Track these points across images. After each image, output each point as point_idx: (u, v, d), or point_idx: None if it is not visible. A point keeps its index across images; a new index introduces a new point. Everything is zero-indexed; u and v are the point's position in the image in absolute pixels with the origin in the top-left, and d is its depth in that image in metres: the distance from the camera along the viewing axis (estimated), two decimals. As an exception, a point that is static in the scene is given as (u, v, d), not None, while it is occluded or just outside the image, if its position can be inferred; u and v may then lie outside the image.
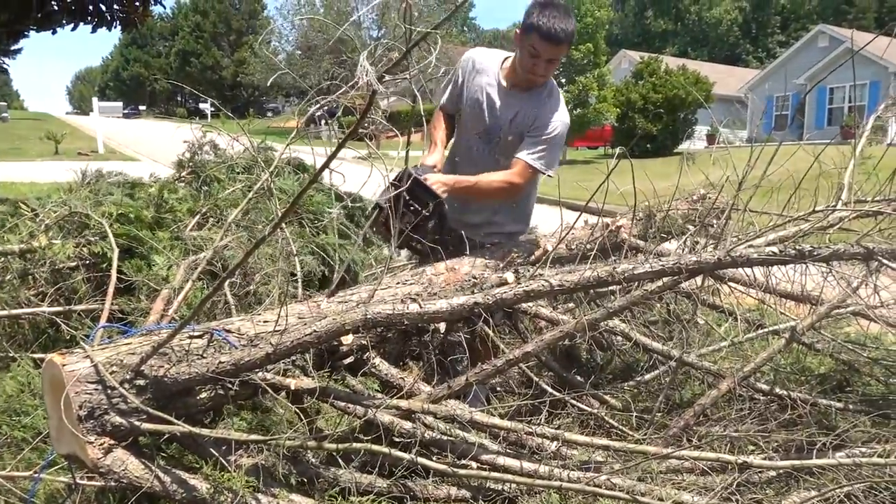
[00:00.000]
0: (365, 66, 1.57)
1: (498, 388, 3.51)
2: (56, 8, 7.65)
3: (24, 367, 2.98)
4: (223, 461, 2.18)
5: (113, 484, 2.11)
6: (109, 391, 2.09)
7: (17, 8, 7.33)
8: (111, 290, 2.89)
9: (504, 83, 3.15)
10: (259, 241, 2.07)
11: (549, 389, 2.96)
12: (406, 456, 2.18)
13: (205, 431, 2.17)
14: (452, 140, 3.38)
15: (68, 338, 3.09)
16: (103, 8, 7.78)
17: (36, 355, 3.01)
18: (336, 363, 2.69)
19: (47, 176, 12.88)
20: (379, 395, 2.55)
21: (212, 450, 2.22)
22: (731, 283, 3.28)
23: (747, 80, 35.20)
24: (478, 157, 3.23)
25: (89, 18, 7.78)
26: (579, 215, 3.17)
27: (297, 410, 2.46)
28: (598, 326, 2.75)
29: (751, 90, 32.86)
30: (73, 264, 3.42)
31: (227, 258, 3.35)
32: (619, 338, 3.20)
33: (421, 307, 2.34)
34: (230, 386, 2.26)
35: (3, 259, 3.34)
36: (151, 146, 23.55)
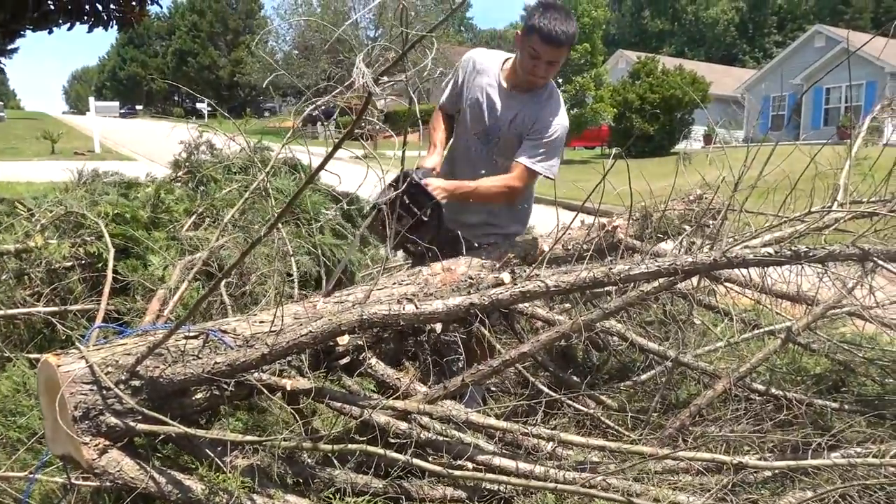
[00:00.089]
0: (361, 68, 1.57)
1: (494, 389, 3.51)
2: (52, 7, 7.63)
3: (20, 368, 2.97)
4: (219, 462, 2.17)
5: (108, 485, 2.11)
6: (105, 392, 2.09)
7: (13, 7, 7.30)
8: (107, 290, 2.88)
9: (504, 84, 3.15)
10: (255, 242, 2.06)
11: (546, 390, 2.96)
12: (402, 457, 2.18)
13: (200, 432, 2.16)
14: (451, 140, 3.38)
15: (64, 338, 3.08)
16: (100, 7, 7.76)
17: (31, 355, 3.00)
18: (332, 363, 2.69)
19: (43, 175, 12.85)
20: (375, 396, 2.55)
21: (207, 450, 2.22)
22: (727, 284, 3.29)
23: (744, 80, 35.26)
24: (476, 157, 3.24)
25: (86, 18, 7.77)
26: (576, 215, 3.17)
27: (293, 411, 2.46)
28: (594, 327, 2.75)
29: (747, 90, 32.90)
30: (69, 264, 3.41)
31: (224, 258, 3.34)
32: (616, 338, 3.21)
33: (417, 308, 2.34)
34: (226, 386, 2.26)
35: (-2, 259, 3.34)
36: (148, 146, 23.49)
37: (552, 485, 2.20)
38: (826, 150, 3.14)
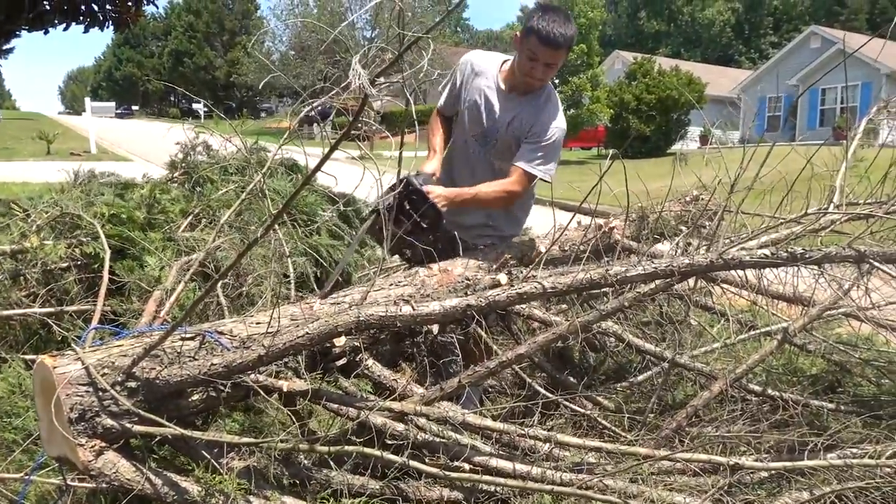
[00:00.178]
0: (357, 70, 1.57)
1: (491, 390, 3.51)
2: (48, 8, 7.63)
3: (16, 369, 2.97)
4: (215, 463, 2.17)
5: (104, 486, 2.10)
6: (101, 393, 2.08)
7: (8, 8, 7.30)
8: (103, 291, 2.87)
9: (502, 86, 3.15)
10: (252, 243, 2.06)
11: (542, 391, 2.96)
12: (399, 459, 2.18)
13: (196, 434, 2.16)
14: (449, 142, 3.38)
15: (60, 339, 3.08)
16: (95, 8, 7.77)
17: (27, 357, 3.00)
18: (328, 365, 2.68)
19: (39, 176, 12.81)
20: (371, 397, 2.55)
21: (203, 452, 2.21)
22: (723, 285, 3.29)
23: (740, 81, 35.33)
24: (474, 158, 3.24)
25: (81, 18, 7.76)
26: (573, 216, 3.17)
27: (290, 412, 2.45)
28: (590, 328, 2.75)
29: (743, 91, 32.98)
30: (65, 265, 3.41)
31: (220, 259, 3.34)
32: (612, 339, 3.21)
33: (414, 309, 2.34)
34: (222, 388, 2.25)
35: (-6, 260, 3.33)
36: (144, 146, 23.46)
37: (549, 486, 2.20)
38: (822, 151, 3.15)
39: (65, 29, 7.84)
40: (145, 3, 8.38)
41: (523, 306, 2.95)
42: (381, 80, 1.70)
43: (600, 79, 28.17)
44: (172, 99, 73.76)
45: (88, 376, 2.08)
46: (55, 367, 2.08)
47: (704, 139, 26.10)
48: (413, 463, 2.19)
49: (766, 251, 2.38)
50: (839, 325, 3.66)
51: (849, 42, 4.82)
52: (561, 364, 3.36)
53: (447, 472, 2.21)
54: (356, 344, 2.67)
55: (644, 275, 2.44)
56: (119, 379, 2.12)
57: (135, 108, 68.13)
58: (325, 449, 2.15)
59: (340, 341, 2.55)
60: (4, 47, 9.25)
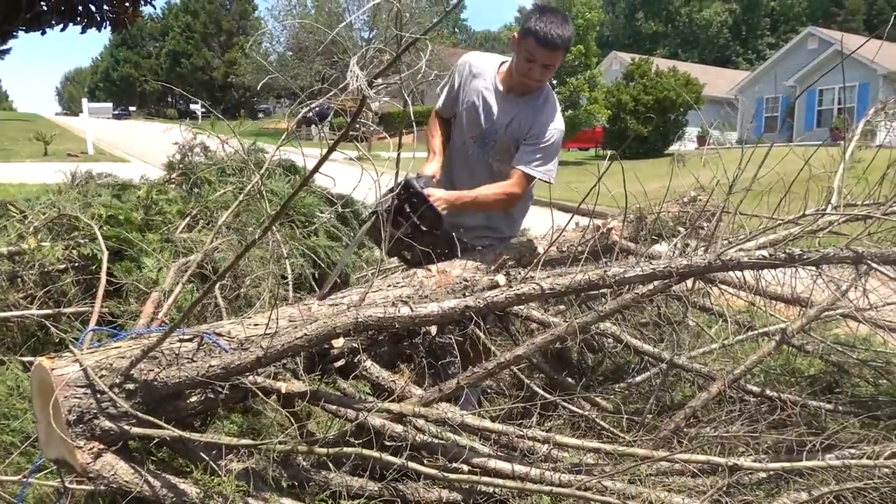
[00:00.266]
0: (355, 71, 1.57)
1: (489, 391, 3.51)
2: (45, 8, 7.62)
3: (13, 371, 2.96)
4: (213, 465, 2.17)
5: (102, 489, 2.10)
6: (99, 395, 2.08)
7: (5, 8, 7.29)
8: (100, 292, 2.87)
9: (500, 87, 3.15)
10: (250, 244, 2.06)
11: (541, 392, 2.96)
12: (397, 460, 2.17)
13: (195, 435, 2.16)
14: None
15: (57, 341, 3.07)
16: (93, 8, 7.76)
17: (25, 359, 2.99)
18: (327, 366, 2.68)
19: (36, 177, 12.78)
20: (370, 399, 2.54)
21: (202, 454, 2.21)
22: (721, 286, 3.29)
23: (737, 81, 35.36)
24: (472, 160, 3.24)
25: (79, 19, 7.76)
26: (571, 217, 3.18)
27: (288, 414, 2.45)
28: (589, 329, 2.75)
29: (741, 92, 33.01)
30: (63, 267, 3.40)
31: (218, 261, 3.33)
32: (611, 340, 3.21)
33: (412, 311, 2.34)
34: (220, 389, 2.25)
35: (-9, 262, 3.32)
36: (141, 147, 23.45)
37: (548, 487, 2.20)
38: (820, 152, 3.15)
39: (62, 29, 7.84)
40: (142, 3, 8.37)
41: (521, 307, 2.95)
42: (379, 80, 1.70)
43: (598, 80, 28.21)
44: (170, 100, 73.65)
45: (86, 378, 2.08)
46: (53, 369, 2.07)
47: (702, 140, 26.12)
48: (412, 464, 2.19)
49: (765, 252, 2.38)
50: (837, 326, 3.67)
51: (846, 43, 4.83)
52: (559, 365, 3.36)
53: (446, 474, 2.21)
54: (354, 345, 2.67)
55: (642, 276, 2.44)
56: (117, 381, 2.12)
57: (132, 108, 67.95)
58: (324, 450, 2.15)
59: (339, 342, 2.55)
60: (1, 48, 9.23)
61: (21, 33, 8.15)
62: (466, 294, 2.69)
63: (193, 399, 2.31)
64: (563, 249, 3.39)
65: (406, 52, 1.69)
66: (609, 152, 2.79)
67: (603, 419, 2.91)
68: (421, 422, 2.44)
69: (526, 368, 3.25)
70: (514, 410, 2.89)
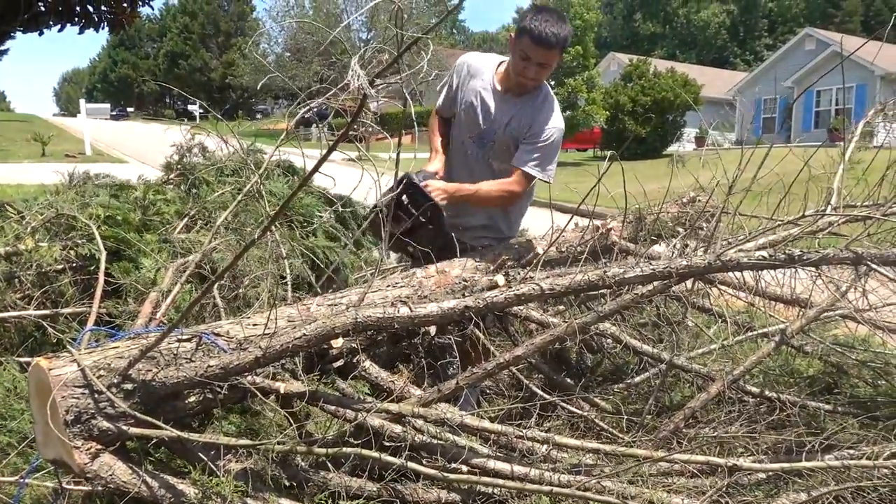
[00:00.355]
0: (356, 71, 1.56)
1: (488, 391, 3.50)
2: (43, 9, 7.60)
3: (10, 371, 2.96)
4: (212, 466, 2.16)
5: (100, 489, 2.09)
6: (96, 395, 2.07)
7: (2, 9, 7.27)
8: (98, 292, 2.86)
9: (498, 87, 3.15)
10: (249, 244, 2.06)
11: (540, 392, 2.96)
12: (396, 461, 2.17)
13: (193, 436, 2.15)
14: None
15: (55, 341, 3.06)
16: (91, 9, 7.73)
17: (22, 359, 2.98)
18: (326, 366, 2.67)
19: (34, 178, 12.75)
20: (369, 399, 2.54)
21: (200, 454, 2.20)
22: (720, 286, 3.29)
23: (735, 82, 35.42)
24: (472, 160, 3.24)
25: (76, 19, 7.73)
26: (570, 218, 3.17)
27: (287, 414, 2.45)
28: (588, 329, 2.75)
29: (739, 93, 33.04)
30: (60, 267, 3.40)
31: (216, 261, 3.33)
32: (610, 340, 3.20)
33: (411, 311, 2.33)
34: (219, 390, 2.24)
35: (-11, 262, 3.31)
36: (139, 148, 23.43)
37: (547, 488, 2.20)
38: (819, 153, 3.15)
39: (60, 30, 7.81)
40: (140, 4, 8.35)
41: (521, 308, 2.94)
42: (379, 81, 1.70)
43: (596, 81, 28.22)
44: (168, 100, 73.61)
45: (84, 378, 2.07)
46: (51, 370, 2.06)
47: (700, 140, 26.16)
48: (411, 465, 2.18)
49: (764, 253, 2.38)
50: (836, 327, 3.67)
51: (844, 44, 4.83)
52: (558, 365, 3.36)
53: (445, 474, 2.21)
54: (354, 345, 2.67)
55: (642, 276, 2.44)
56: (115, 381, 2.11)
57: (130, 109, 67.81)
58: (323, 451, 2.15)
59: (338, 343, 2.54)
60: (-1, 49, 9.22)
61: (19, 34, 8.14)
62: (466, 294, 2.68)
63: (192, 399, 2.31)
64: (563, 250, 3.38)
65: (405, 52, 1.68)
66: (608, 153, 2.79)
67: (602, 420, 2.90)
68: (420, 422, 2.43)
69: (525, 369, 3.24)
70: (513, 411, 2.88)
